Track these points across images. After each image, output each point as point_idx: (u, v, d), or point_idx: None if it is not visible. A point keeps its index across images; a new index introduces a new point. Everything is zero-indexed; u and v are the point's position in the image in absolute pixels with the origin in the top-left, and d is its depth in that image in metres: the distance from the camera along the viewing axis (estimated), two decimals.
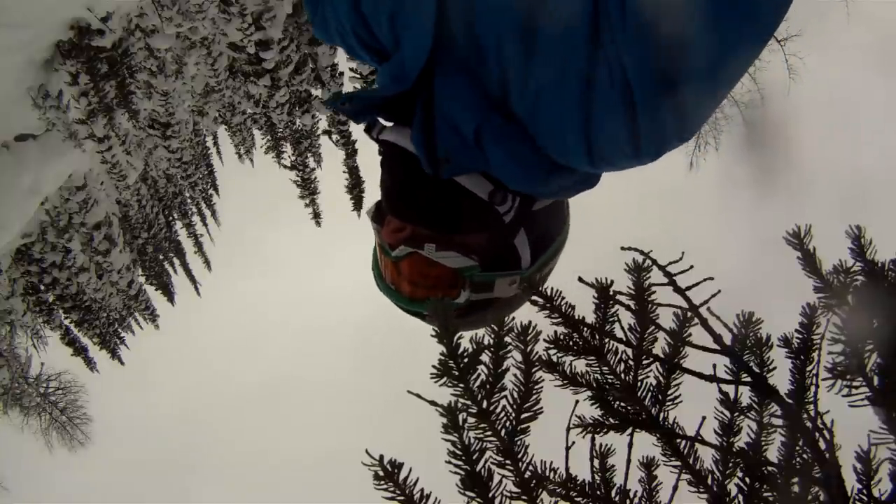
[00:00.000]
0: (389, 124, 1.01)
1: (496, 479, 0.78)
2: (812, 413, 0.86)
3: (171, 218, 16.79)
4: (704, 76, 0.75)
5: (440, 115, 0.92)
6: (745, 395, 0.90)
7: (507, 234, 1.00)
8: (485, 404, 0.79)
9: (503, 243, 1.00)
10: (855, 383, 0.84)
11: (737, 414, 0.90)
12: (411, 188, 0.97)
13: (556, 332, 0.88)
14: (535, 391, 0.81)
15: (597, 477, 0.89)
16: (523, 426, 0.80)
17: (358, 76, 10.07)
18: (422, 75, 0.93)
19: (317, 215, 12.21)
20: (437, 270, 0.98)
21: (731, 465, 0.88)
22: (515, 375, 0.81)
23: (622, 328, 0.90)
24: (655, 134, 0.79)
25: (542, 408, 0.81)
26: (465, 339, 0.79)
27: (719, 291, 0.90)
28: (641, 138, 0.79)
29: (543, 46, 0.81)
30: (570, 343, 0.89)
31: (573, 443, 0.88)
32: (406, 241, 0.98)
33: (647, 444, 0.90)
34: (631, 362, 0.89)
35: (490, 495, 0.77)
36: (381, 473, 0.76)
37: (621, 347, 0.90)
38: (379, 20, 1.02)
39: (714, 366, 0.90)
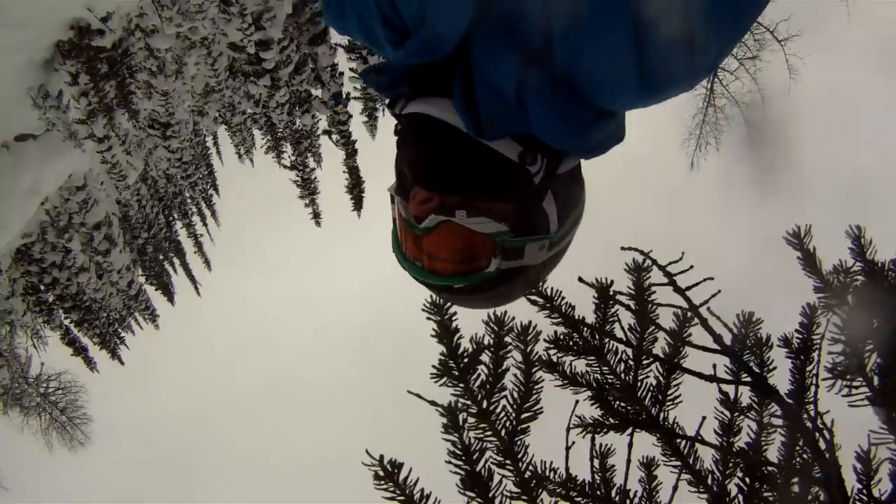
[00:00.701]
0: (413, 99, 1.01)
1: (496, 478, 0.78)
2: (812, 413, 0.86)
3: (171, 218, 16.80)
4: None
5: (480, 78, 0.92)
6: (745, 395, 0.90)
7: (537, 196, 1.00)
8: (485, 404, 0.79)
9: (532, 206, 1.00)
10: (855, 383, 0.84)
11: (737, 414, 0.90)
12: (439, 157, 0.96)
13: (556, 332, 0.88)
14: (535, 391, 0.81)
15: (597, 477, 0.88)
16: (523, 426, 0.80)
17: (358, 76, 10.07)
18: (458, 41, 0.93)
19: (317, 215, 12.23)
20: (465, 242, 0.97)
21: (731, 465, 0.88)
22: (515, 375, 0.81)
23: (622, 328, 0.90)
24: (715, 38, 0.79)
25: (542, 408, 0.81)
26: (465, 339, 0.79)
27: (719, 291, 0.90)
28: (696, 46, 0.78)
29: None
30: (570, 343, 0.89)
31: (573, 443, 0.88)
32: (435, 210, 0.96)
33: (647, 444, 0.90)
34: (631, 362, 0.89)
35: (490, 495, 0.77)
36: (381, 473, 0.76)
37: (621, 347, 0.89)
38: None
39: (714, 366, 0.90)
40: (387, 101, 1.03)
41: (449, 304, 1.08)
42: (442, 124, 0.95)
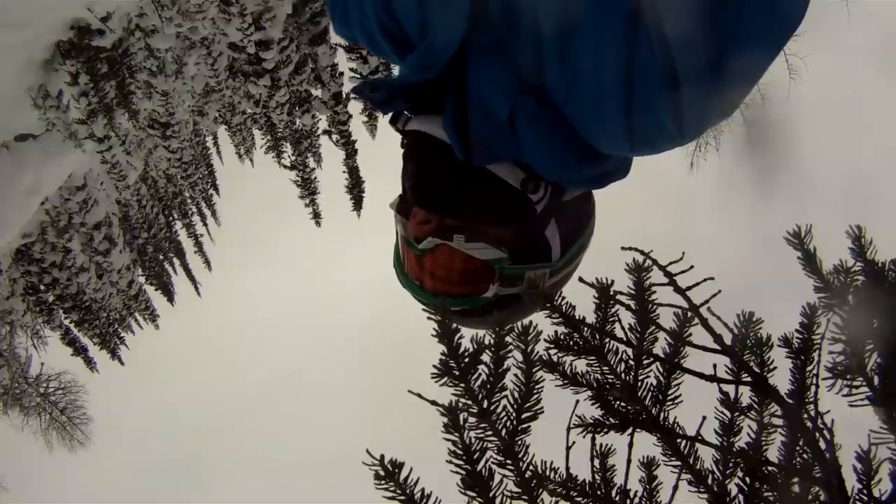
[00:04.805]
0: (414, 115, 0.99)
1: (497, 478, 0.78)
2: (812, 413, 0.86)
3: (171, 218, 16.80)
4: (751, 48, 0.73)
5: (472, 99, 0.90)
6: (746, 395, 0.90)
7: (539, 224, 0.97)
8: (485, 404, 0.79)
9: (534, 234, 0.98)
10: (855, 383, 0.84)
11: (737, 414, 0.90)
12: (439, 177, 0.94)
13: (556, 331, 0.88)
14: (535, 391, 0.81)
15: (597, 477, 0.89)
16: (524, 426, 0.80)
17: (358, 76, 10.07)
18: (452, 61, 0.91)
19: (317, 215, 12.23)
20: (464, 265, 0.95)
21: (731, 465, 0.88)
22: (516, 375, 0.81)
23: (622, 328, 0.90)
24: (700, 115, 0.77)
25: (542, 408, 0.81)
26: (466, 339, 0.79)
27: (719, 291, 0.90)
28: (686, 121, 0.77)
29: (583, 23, 0.79)
30: (571, 343, 0.89)
31: (573, 443, 0.88)
32: (433, 232, 0.95)
33: (647, 444, 0.90)
34: (631, 362, 0.89)
35: (490, 495, 0.77)
36: (381, 473, 0.76)
37: (621, 347, 0.89)
38: (407, 6, 0.99)
39: (714, 366, 0.90)
40: (388, 116, 1.01)
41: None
42: (444, 145, 0.94)
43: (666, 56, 0.74)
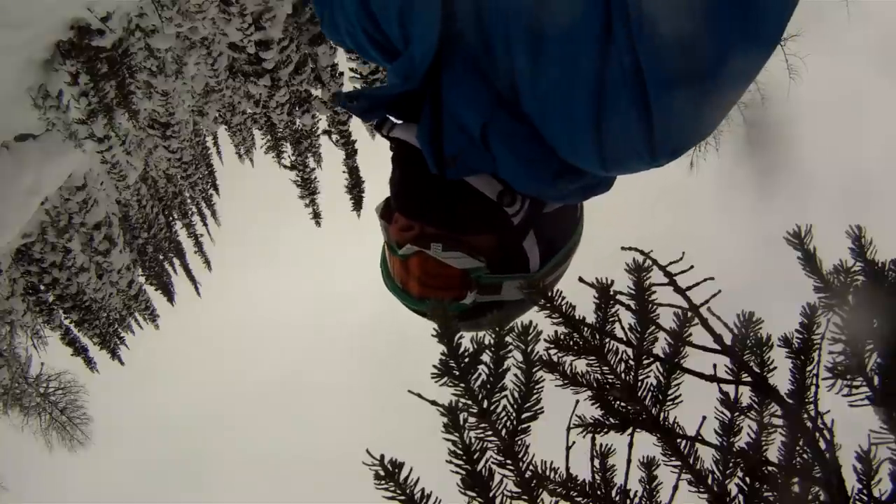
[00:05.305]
0: (399, 122, 0.99)
1: (497, 478, 0.78)
2: (812, 413, 0.86)
3: (171, 218, 16.80)
4: (720, 72, 0.70)
5: (447, 113, 0.90)
6: (746, 395, 0.90)
7: (516, 236, 0.98)
8: (485, 404, 0.79)
9: (512, 245, 0.98)
10: (855, 383, 0.84)
11: (737, 414, 0.90)
12: (420, 186, 0.95)
13: (556, 331, 0.88)
14: (535, 391, 0.81)
15: (597, 477, 0.89)
16: (524, 426, 0.80)
17: (358, 76, 10.07)
18: (430, 73, 0.91)
19: (317, 215, 12.24)
20: (445, 270, 0.96)
21: (731, 465, 0.88)
22: (516, 375, 0.81)
23: (622, 328, 0.90)
24: (672, 133, 0.75)
25: (542, 408, 0.81)
26: (466, 339, 0.79)
27: (719, 291, 0.90)
28: (657, 138, 0.74)
29: (552, 44, 0.78)
30: (571, 343, 0.89)
31: (573, 443, 0.88)
32: (413, 239, 0.96)
33: (647, 444, 0.90)
34: (631, 362, 0.89)
35: (490, 495, 0.77)
36: (381, 473, 0.76)
37: (621, 347, 0.89)
38: (388, 17, 1.00)
39: (714, 366, 0.90)
40: (374, 123, 1.02)
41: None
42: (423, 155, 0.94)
43: (637, 81, 0.71)
